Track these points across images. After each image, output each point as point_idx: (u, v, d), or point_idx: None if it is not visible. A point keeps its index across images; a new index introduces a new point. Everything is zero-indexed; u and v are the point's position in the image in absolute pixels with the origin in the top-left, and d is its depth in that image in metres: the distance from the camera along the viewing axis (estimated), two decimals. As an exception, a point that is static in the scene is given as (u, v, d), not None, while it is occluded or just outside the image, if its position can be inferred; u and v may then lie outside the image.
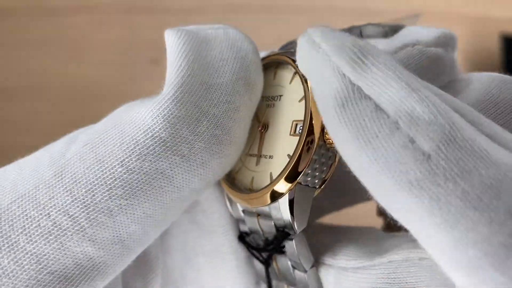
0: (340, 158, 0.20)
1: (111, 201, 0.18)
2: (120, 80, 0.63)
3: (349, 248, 0.22)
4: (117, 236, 0.19)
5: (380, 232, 0.24)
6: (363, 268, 0.21)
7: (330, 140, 0.21)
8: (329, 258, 0.22)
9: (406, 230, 0.18)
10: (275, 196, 0.22)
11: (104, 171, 0.18)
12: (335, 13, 0.56)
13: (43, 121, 0.59)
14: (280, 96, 0.23)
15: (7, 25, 0.59)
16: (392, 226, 0.33)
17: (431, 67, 0.21)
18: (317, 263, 0.23)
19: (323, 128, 0.21)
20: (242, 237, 0.25)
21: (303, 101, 0.22)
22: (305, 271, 0.22)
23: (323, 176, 0.21)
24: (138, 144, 0.18)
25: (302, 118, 0.22)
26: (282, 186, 0.21)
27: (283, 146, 0.22)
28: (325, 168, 0.21)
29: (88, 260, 0.18)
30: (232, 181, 0.24)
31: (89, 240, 0.18)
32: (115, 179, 0.18)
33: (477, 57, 0.60)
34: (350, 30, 0.24)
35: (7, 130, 0.60)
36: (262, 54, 0.26)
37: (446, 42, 0.22)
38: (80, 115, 0.54)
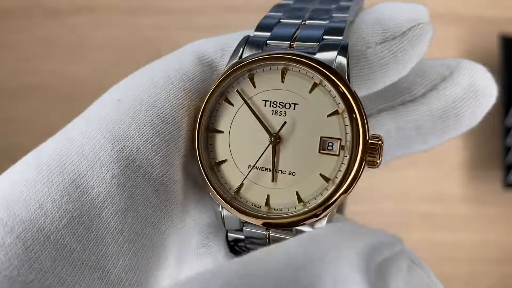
0: None
1: None
2: (120, 80, 0.63)
3: None
4: None
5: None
6: None
7: (376, 161, 0.21)
8: None
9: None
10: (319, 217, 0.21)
11: None
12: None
13: (43, 121, 0.59)
14: (295, 104, 0.22)
15: (7, 25, 0.60)
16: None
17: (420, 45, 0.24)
18: None
19: (366, 149, 0.21)
20: (234, 248, 0.24)
21: (335, 117, 0.21)
22: None
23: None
24: None
25: (335, 136, 0.21)
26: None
27: (310, 163, 0.21)
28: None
29: None
30: (232, 199, 0.22)
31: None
32: None
33: (477, 57, 0.60)
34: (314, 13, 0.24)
35: (7, 130, 0.60)
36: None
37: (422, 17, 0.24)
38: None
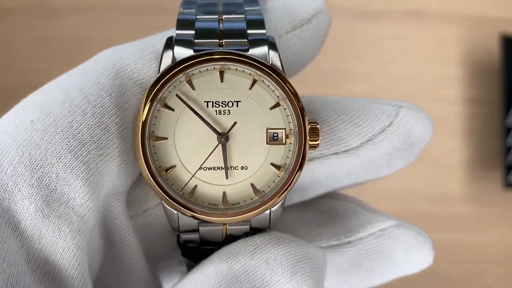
0: None
1: None
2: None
3: None
4: None
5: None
6: None
7: (317, 143, 0.22)
8: None
9: None
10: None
11: None
12: (331, 12, 0.56)
13: (43, 121, 0.59)
14: (238, 102, 0.23)
15: (7, 25, 0.60)
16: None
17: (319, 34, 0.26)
18: None
19: (307, 134, 0.22)
20: (186, 250, 0.24)
21: (277, 109, 0.23)
22: None
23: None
24: None
25: (280, 127, 0.23)
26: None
27: (260, 156, 0.23)
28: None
29: None
30: (186, 202, 0.23)
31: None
32: None
33: (477, 57, 0.60)
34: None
35: (7, 130, 0.60)
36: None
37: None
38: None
